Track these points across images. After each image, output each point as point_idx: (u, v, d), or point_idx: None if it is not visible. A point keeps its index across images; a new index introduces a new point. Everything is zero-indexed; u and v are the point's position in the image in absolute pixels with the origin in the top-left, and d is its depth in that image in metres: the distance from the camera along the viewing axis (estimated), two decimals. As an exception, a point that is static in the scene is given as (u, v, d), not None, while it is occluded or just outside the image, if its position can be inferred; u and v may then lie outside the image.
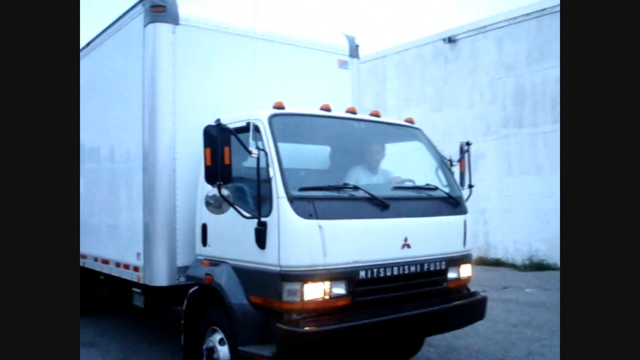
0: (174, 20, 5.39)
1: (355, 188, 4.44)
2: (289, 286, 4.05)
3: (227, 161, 4.09)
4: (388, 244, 4.48)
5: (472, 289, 5.32)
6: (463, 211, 5.13)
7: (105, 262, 6.38)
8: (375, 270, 4.35)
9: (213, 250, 4.83)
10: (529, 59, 12.29)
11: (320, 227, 4.09)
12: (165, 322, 7.59)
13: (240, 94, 5.28)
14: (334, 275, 4.16)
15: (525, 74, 12.36)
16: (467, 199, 5.56)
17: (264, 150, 4.27)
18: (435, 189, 5.07)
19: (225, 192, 4.15)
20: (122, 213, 6.02)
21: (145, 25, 5.45)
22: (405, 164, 5.71)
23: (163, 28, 5.34)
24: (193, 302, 4.92)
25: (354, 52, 6.74)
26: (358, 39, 6.87)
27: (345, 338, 4.12)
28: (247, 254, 4.35)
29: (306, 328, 3.97)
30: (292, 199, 4.10)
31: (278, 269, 4.10)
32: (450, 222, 4.99)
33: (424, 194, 5.06)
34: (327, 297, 4.13)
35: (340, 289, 4.20)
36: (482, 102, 13.22)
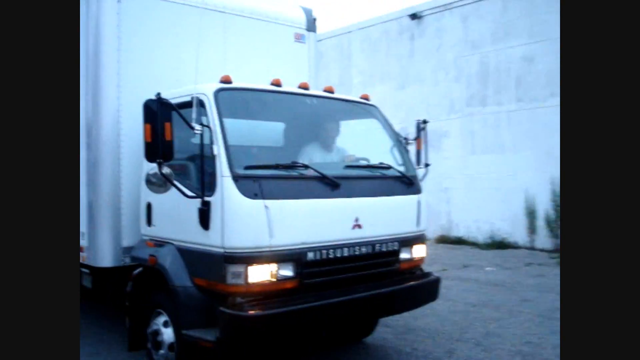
0: None
1: (305, 167, 4.29)
2: (233, 268, 3.91)
3: (168, 137, 3.89)
4: (338, 224, 4.35)
5: (431, 268, 5.26)
6: (417, 191, 5.03)
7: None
8: (324, 251, 4.23)
9: (158, 230, 4.64)
10: (494, 37, 12.22)
11: (266, 207, 3.93)
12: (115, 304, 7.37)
13: (190, 68, 5.05)
14: (280, 257, 4.03)
15: (490, 52, 12.31)
16: (423, 178, 5.47)
17: (208, 126, 4.07)
18: (389, 167, 4.94)
19: (166, 170, 3.95)
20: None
21: (89, -5, 5.14)
22: (360, 142, 5.58)
23: None
24: (138, 284, 4.74)
25: (311, 25, 6.52)
26: (317, 12, 6.65)
27: (292, 321, 4.01)
28: (192, 235, 4.18)
29: (250, 312, 3.84)
30: (236, 178, 3.92)
31: (222, 250, 3.94)
32: (403, 202, 4.89)
33: (377, 173, 4.93)
34: (273, 279, 4.00)
35: (287, 271, 4.07)
36: (447, 80, 13.15)
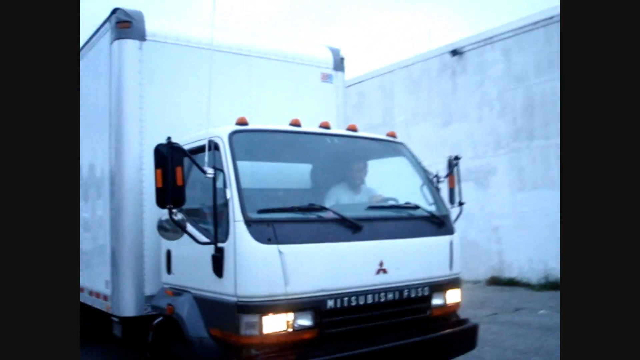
0: (141, 36, 5.15)
1: (323, 209, 4.08)
2: (246, 318, 3.70)
3: (179, 182, 3.78)
4: (361, 269, 4.09)
5: (481, 312, 4.85)
6: (449, 231, 4.72)
7: (81, 290, 6.10)
8: (345, 298, 3.97)
9: (177, 278, 4.51)
10: (538, 68, 11.81)
11: (280, 252, 3.74)
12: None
13: (212, 111, 5.03)
14: (297, 306, 3.79)
15: (535, 84, 11.88)
16: (457, 217, 5.16)
17: (221, 169, 3.95)
18: (416, 207, 4.67)
19: (178, 216, 3.83)
20: (92, 239, 5.75)
21: (111, 42, 5.22)
22: (388, 182, 5.34)
23: (129, 44, 5.10)
24: (158, 334, 4.59)
25: (338, 65, 6.42)
26: (359, 53, 6.62)
27: (311, 375, 3.74)
28: (207, 283, 4.02)
29: None
30: (249, 222, 3.76)
31: (235, 299, 3.75)
32: (433, 244, 4.58)
33: (403, 213, 4.67)
34: (290, 329, 3.76)
35: (305, 321, 3.83)
36: (492, 115, 12.76)
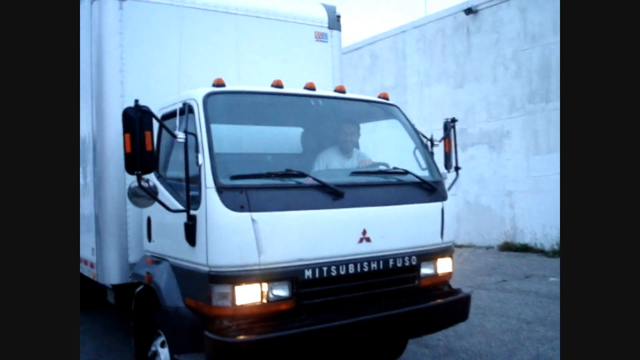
0: None
1: (302, 175, 3.87)
2: (218, 289, 3.56)
3: (148, 147, 3.60)
4: (342, 238, 3.90)
5: (490, 279, 4.62)
6: (440, 197, 4.48)
7: (73, 257, 6.03)
8: (324, 268, 3.80)
9: (156, 245, 4.38)
10: (555, 27, 11.27)
11: (253, 220, 3.56)
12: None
13: (199, 73, 4.83)
14: (272, 276, 3.63)
15: (552, 44, 11.35)
16: (453, 183, 4.93)
17: (193, 133, 3.76)
18: (405, 173, 4.43)
19: (148, 182, 3.67)
20: (81, 207, 5.65)
21: (91, 2, 4.99)
22: (380, 146, 5.10)
23: (108, 4, 4.87)
24: (140, 303, 4.49)
25: (334, 23, 6.11)
26: (340, 9, 6.23)
27: (287, 347, 3.59)
28: (182, 252, 3.88)
29: (238, 337, 3.47)
30: (221, 189, 3.57)
31: (207, 269, 3.60)
32: (422, 211, 4.36)
33: (391, 179, 4.44)
34: (265, 300, 3.61)
35: (281, 291, 3.67)
36: (507, 76, 12.28)
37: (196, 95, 3.95)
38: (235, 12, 5.47)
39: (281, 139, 4.86)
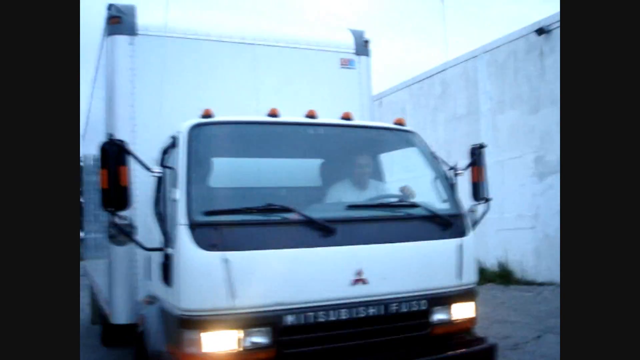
0: (132, 30, 4.91)
1: (285, 209, 3.53)
2: (188, 334, 3.28)
3: (123, 183, 3.45)
4: (331, 279, 3.51)
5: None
6: (457, 233, 3.96)
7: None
8: (310, 314, 3.41)
9: (152, 285, 4.20)
10: (638, 42, 10.20)
11: (225, 260, 3.26)
12: None
13: (214, 105, 4.69)
14: (249, 321, 3.31)
15: (636, 60, 10.27)
16: (482, 216, 4.39)
17: (171, 167, 3.57)
18: (414, 206, 3.97)
19: (122, 219, 3.50)
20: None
21: (105, 38, 5.05)
22: (396, 177, 4.67)
23: (119, 40, 4.88)
24: (140, 345, 4.31)
25: (361, 48, 5.79)
26: (369, 34, 5.92)
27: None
28: (164, 292, 3.66)
29: None
30: (194, 226, 3.33)
31: (179, 312, 3.34)
32: (434, 249, 3.86)
33: (398, 212, 3.98)
34: (240, 348, 3.29)
35: (260, 339, 3.33)
36: (586, 98, 11.24)
37: (182, 127, 3.77)
38: (252, 42, 5.32)
39: (291, 172, 4.57)
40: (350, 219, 3.74)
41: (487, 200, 4.49)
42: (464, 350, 3.85)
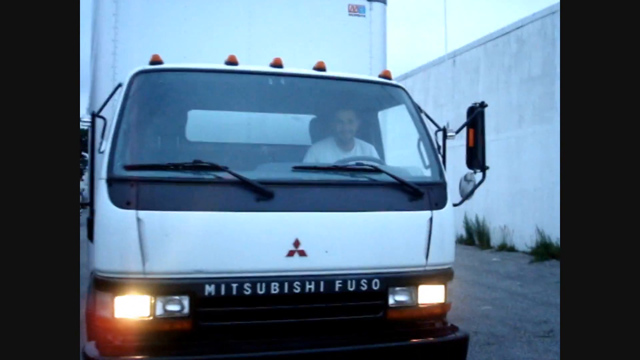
0: None
1: (215, 167, 3.15)
2: (100, 296, 3.06)
3: None
4: (262, 249, 3.11)
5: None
6: (428, 204, 3.41)
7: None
8: (233, 285, 3.05)
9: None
10: None
11: (138, 219, 2.96)
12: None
13: (200, 54, 4.37)
14: (163, 288, 3.02)
15: None
16: (476, 186, 3.81)
17: (100, 116, 3.30)
18: (376, 170, 3.45)
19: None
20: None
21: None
22: (377, 137, 4.13)
23: None
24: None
25: (375, -8, 5.17)
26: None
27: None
28: (91, 251, 3.46)
29: (106, 356, 2.92)
30: (111, 181, 3.04)
31: (96, 272, 3.11)
32: (395, 221, 3.35)
33: (360, 177, 3.48)
34: (152, 317, 3.01)
35: (174, 307, 3.04)
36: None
37: (128, 74, 3.47)
38: (246, -17, 4.88)
39: (258, 128, 4.17)
40: (292, 181, 3.30)
41: (483, 168, 3.87)
42: (429, 339, 3.35)
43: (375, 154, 4.14)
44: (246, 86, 3.70)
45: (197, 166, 3.13)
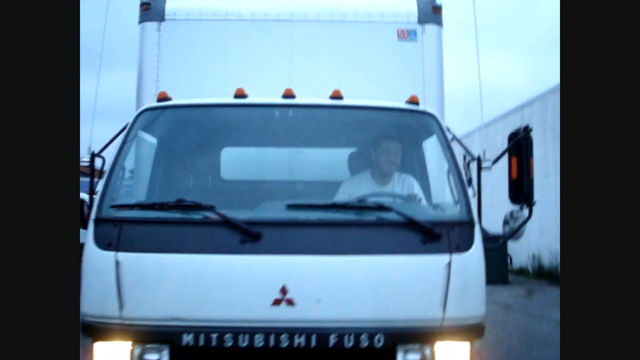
0: (159, 16, 4.75)
1: (199, 207, 2.94)
2: (84, 340, 2.95)
3: None
4: (246, 296, 2.83)
5: None
6: (447, 247, 2.91)
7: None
8: (213, 335, 2.79)
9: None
10: None
11: (117, 262, 2.84)
12: None
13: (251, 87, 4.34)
14: (141, 335, 2.84)
15: None
16: (523, 224, 3.26)
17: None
18: (381, 208, 3.02)
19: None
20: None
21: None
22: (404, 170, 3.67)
23: (147, 27, 4.77)
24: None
25: (427, 16, 4.77)
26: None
27: None
28: None
29: None
30: (97, 221, 2.97)
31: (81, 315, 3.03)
32: (402, 266, 2.89)
33: (368, 216, 3.07)
34: (131, 364, 2.84)
35: (153, 356, 2.84)
36: None
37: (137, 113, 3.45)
38: (290, 18, 4.76)
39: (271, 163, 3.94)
40: (284, 221, 2.98)
41: (529, 204, 3.28)
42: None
43: (416, 188, 3.69)
44: (255, 119, 3.51)
45: (181, 205, 2.96)
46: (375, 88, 4.46)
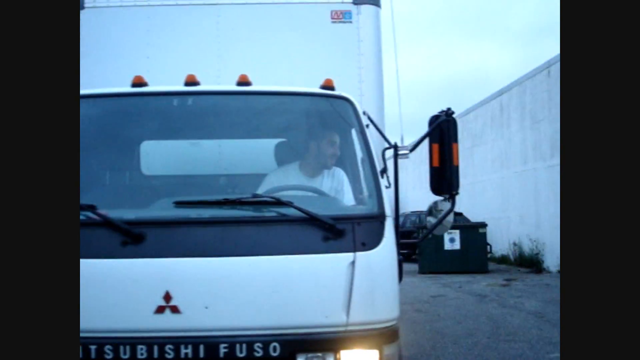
0: (80, 4, 4.49)
1: (88, 207, 2.68)
2: None
3: None
4: (126, 303, 2.57)
5: None
6: (352, 245, 2.65)
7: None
8: (92, 347, 2.54)
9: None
10: None
11: None
12: None
13: (166, 76, 4.07)
14: None
15: None
16: (445, 215, 3.01)
17: None
18: (277, 202, 2.76)
19: None
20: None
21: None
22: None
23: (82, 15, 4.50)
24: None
25: (365, -5, 4.51)
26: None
27: None
28: None
29: None
30: None
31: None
32: (300, 268, 2.63)
33: (266, 212, 2.81)
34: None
35: None
36: None
37: None
38: (216, 2, 4.48)
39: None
40: (170, 220, 2.72)
41: (451, 194, 3.02)
42: None
43: (346, 182, 3.41)
44: (164, 110, 3.24)
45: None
46: (307, 72, 4.20)
